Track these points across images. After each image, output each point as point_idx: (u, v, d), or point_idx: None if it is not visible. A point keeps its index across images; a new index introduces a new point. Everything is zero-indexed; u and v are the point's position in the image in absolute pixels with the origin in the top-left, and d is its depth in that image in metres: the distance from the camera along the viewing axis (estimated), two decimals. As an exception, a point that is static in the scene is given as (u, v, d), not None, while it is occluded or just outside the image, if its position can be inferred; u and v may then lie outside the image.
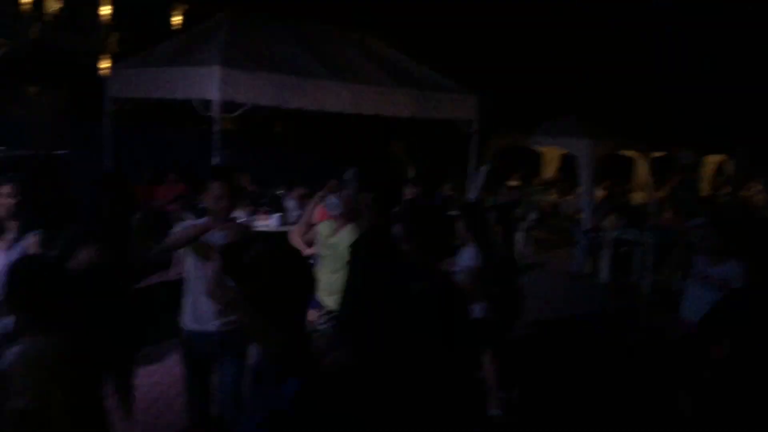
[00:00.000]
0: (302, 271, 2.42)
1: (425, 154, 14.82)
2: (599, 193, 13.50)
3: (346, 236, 4.74)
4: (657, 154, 15.10)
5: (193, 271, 4.04)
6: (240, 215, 7.56)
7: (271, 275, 2.29)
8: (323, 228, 5.03)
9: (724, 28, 18.48)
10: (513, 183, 15.24)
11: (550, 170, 16.70)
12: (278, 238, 5.18)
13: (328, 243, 4.91)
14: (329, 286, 4.59)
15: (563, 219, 14.60)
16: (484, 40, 17.61)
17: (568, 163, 14.42)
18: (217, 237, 3.93)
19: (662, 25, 18.60)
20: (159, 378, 5.52)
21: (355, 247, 4.26)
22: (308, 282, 2.42)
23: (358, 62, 10.48)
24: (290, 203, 8.99)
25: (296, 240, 5.32)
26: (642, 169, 14.95)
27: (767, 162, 18.44)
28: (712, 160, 18.04)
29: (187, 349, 4.11)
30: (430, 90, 11.01)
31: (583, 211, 12.36)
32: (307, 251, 5.12)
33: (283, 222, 8.42)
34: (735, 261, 4.74)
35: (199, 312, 3.99)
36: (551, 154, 16.41)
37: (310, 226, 5.29)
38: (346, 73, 9.85)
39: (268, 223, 8.40)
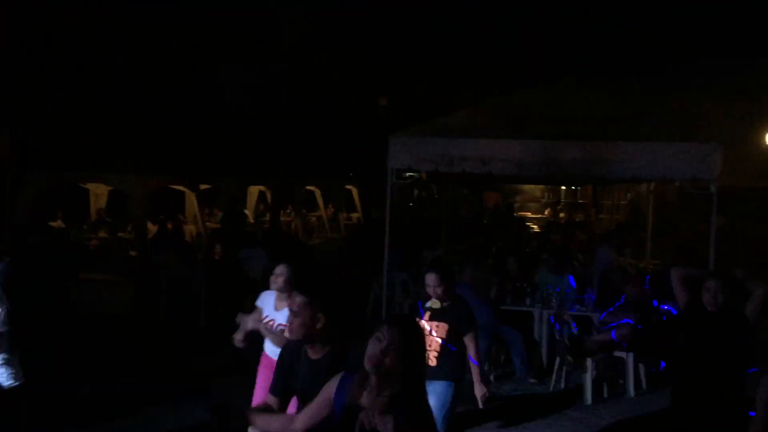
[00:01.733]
0: None
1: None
2: (153, 228, 13.42)
3: None
4: (204, 186, 15.71)
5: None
6: None
7: None
8: None
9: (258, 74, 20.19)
10: (56, 223, 14.10)
11: (99, 207, 15.96)
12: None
13: None
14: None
15: (119, 258, 14.07)
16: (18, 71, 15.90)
17: (119, 199, 14.00)
18: None
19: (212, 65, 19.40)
20: None
21: None
22: None
23: None
24: None
25: None
26: (191, 203, 15.37)
27: (300, 189, 20.79)
28: (254, 190, 19.56)
29: None
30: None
31: (138, 248, 12.14)
32: None
33: None
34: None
35: None
36: (99, 191, 15.71)
37: None
38: None
39: None
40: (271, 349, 4.81)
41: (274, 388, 3.43)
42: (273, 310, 4.81)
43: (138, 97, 17.88)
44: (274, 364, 4.52)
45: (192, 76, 18.76)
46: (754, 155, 9.02)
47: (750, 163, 8.93)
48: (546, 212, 21.00)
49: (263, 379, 4.91)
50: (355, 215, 23.55)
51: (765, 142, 10.54)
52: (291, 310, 3.38)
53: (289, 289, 4.60)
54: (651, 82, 9.25)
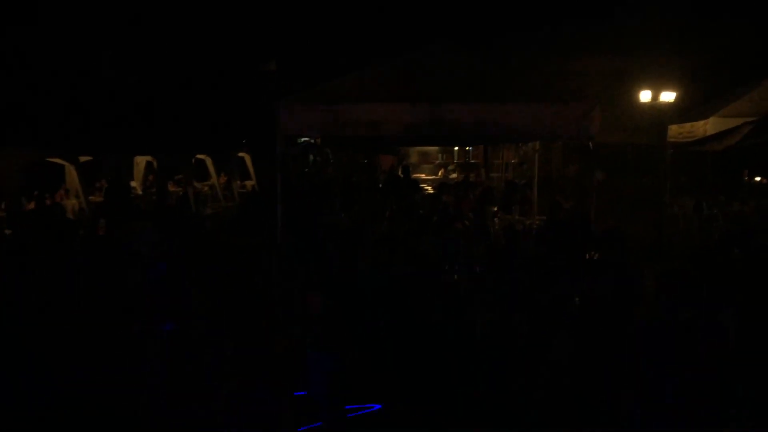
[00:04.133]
0: None
1: None
2: (30, 204, 12.64)
3: None
4: (84, 158, 14.89)
5: None
6: None
7: None
8: None
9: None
10: None
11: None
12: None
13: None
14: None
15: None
16: None
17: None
18: None
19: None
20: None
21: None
22: None
23: None
24: None
25: None
26: (72, 176, 14.56)
27: (190, 158, 20.13)
28: (141, 160, 18.76)
29: None
30: None
31: (13, 227, 11.39)
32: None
33: None
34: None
35: None
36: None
37: None
38: None
39: None
40: None
41: None
42: None
43: (5, 65, 16.68)
44: None
45: (65, 42, 17.65)
46: (628, 112, 9.47)
47: (625, 119, 9.37)
48: (440, 173, 21.33)
49: None
50: (249, 183, 23.06)
51: (638, 99, 11.10)
52: None
53: None
54: (529, 43, 9.45)
